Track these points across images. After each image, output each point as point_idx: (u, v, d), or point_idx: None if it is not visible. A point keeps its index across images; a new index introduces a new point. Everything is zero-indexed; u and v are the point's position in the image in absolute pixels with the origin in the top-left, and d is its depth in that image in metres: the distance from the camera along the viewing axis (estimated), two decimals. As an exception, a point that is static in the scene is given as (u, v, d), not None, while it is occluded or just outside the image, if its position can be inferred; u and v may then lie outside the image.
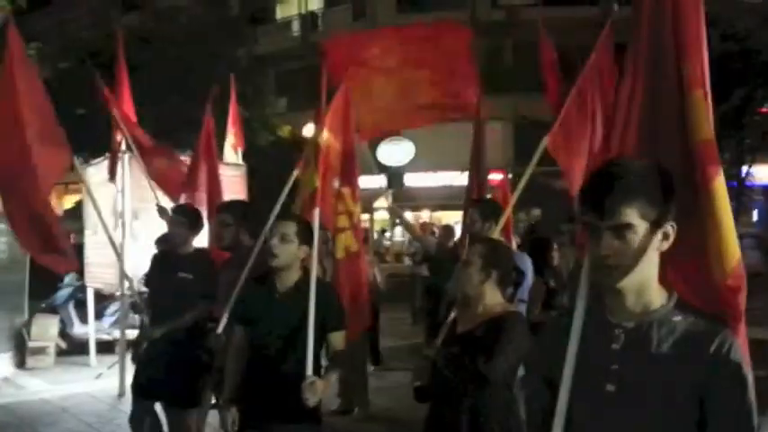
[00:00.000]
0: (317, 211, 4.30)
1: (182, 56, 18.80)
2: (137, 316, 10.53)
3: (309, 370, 3.57)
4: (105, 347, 10.40)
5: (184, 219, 5.19)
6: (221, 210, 5.13)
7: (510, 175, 28.73)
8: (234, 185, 9.02)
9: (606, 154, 2.40)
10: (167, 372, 4.94)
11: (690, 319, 1.88)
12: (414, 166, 25.76)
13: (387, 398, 7.98)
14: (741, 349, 1.83)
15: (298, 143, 21.48)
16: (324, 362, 3.96)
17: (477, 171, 6.12)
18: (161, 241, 6.09)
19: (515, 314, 3.51)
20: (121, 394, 8.24)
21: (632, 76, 2.41)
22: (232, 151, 10.52)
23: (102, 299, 10.55)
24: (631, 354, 1.86)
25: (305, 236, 3.79)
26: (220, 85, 20.70)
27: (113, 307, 10.70)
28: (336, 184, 5.06)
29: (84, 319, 10.48)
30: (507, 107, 21.83)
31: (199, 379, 5.07)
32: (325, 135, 4.60)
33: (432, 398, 3.54)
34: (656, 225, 1.83)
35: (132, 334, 9.86)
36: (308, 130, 21.21)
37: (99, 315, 10.56)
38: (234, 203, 5.46)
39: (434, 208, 26.34)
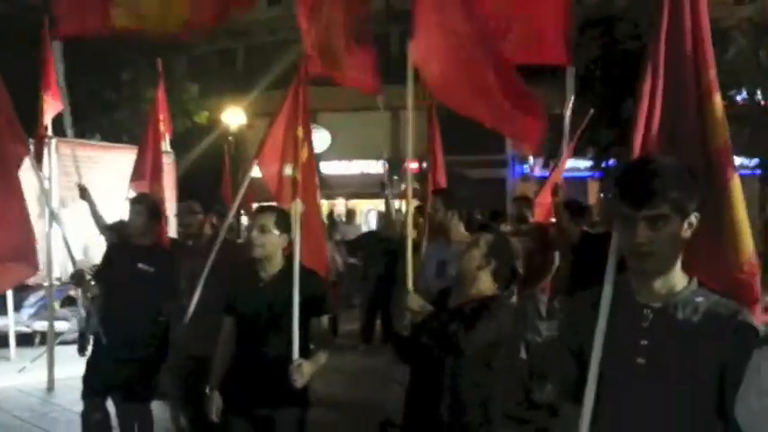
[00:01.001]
0: (298, 202, 4.32)
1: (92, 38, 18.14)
2: (64, 309, 10.25)
3: (296, 353, 3.68)
4: (25, 340, 10.03)
5: (143, 208, 5.06)
6: (187, 197, 5.05)
7: (425, 164, 29.08)
8: (166, 174, 8.84)
9: (630, 153, 2.56)
10: (122, 366, 4.83)
11: (711, 299, 2.08)
12: (329, 154, 25.82)
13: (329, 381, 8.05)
14: (756, 327, 2.03)
15: (214, 129, 21.18)
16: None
17: (435, 160, 6.25)
18: (112, 230, 5.90)
19: (504, 299, 3.68)
20: (50, 388, 8.00)
21: (652, 78, 2.56)
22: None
23: (22, 289, 10.13)
24: (659, 331, 2.06)
25: (284, 225, 3.89)
26: (131, 69, 20.17)
27: (33, 298, 10.32)
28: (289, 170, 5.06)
29: (1, 311, 10.05)
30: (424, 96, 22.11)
31: (154, 372, 5.00)
32: (300, 130, 4.60)
33: (412, 364, 3.66)
34: (684, 215, 2.03)
35: (60, 326, 9.61)
36: (227, 116, 20.94)
37: (18, 306, 10.14)
38: (199, 191, 5.40)
39: (349, 196, 26.46)
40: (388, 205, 9.39)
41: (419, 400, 3.54)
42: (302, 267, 3.88)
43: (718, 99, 2.51)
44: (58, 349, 8.57)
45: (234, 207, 5.15)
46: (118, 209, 6.63)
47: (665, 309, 2.08)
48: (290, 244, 3.95)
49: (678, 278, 2.11)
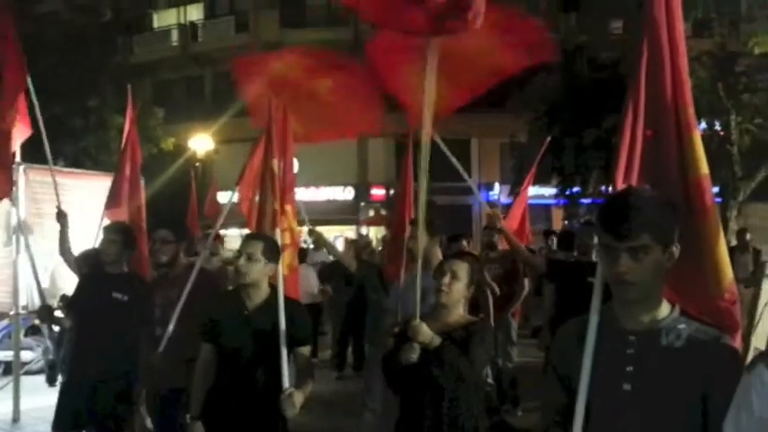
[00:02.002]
0: (278, 232, 4.36)
1: (59, 64, 18.05)
2: (29, 338, 10.05)
3: (286, 382, 3.69)
4: (-15, 370, 9.82)
5: (117, 237, 5.00)
6: (160, 226, 5.03)
7: (392, 191, 29.24)
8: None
9: (613, 185, 2.66)
10: (98, 397, 4.76)
11: (693, 326, 2.17)
12: (297, 180, 25.79)
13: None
14: (739, 352, 2.14)
15: (180, 155, 21.05)
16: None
17: (409, 189, 6.32)
18: (85, 259, 5.82)
19: (484, 323, 3.79)
20: (16, 419, 7.83)
21: (633, 113, 2.68)
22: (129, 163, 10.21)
23: (-17, 319, 9.93)
24: (644, 357, 2.13)
25: (271, 254, 3.90)
26: (99, 95, 20.03)
27: (-4, 327, 10.11)
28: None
29: (-37, 341, 9.85)
30: (389, 124, 22.31)
31: (128, 402, 4.93)
32: (275, 163, 4.66)
33: (404, 390, 3.67)
34: (665, 246, 2.11)
35: (25, 356, 9.42)
36: (193, 143, 20.89)
37: (-20, 336, 9.94)
38: (173, 220, 5.38)
39: (316, 223, 26.44)
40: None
41: (414, 430, 3.56)
42: (286, 297, 3.91)
43: (697, 135, 2.63)
44: (24, 379, 8.40)
45: (214, 232, 5.15)
46: (87, 236, 6.56)
47: (649, 335, 2.14)
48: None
49: (661, 306, 2.19)
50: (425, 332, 3.44)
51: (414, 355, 3.45)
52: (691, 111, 2.64)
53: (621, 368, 2.14)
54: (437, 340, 3.46)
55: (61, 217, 6.12)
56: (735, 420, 1.91)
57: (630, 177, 2.63)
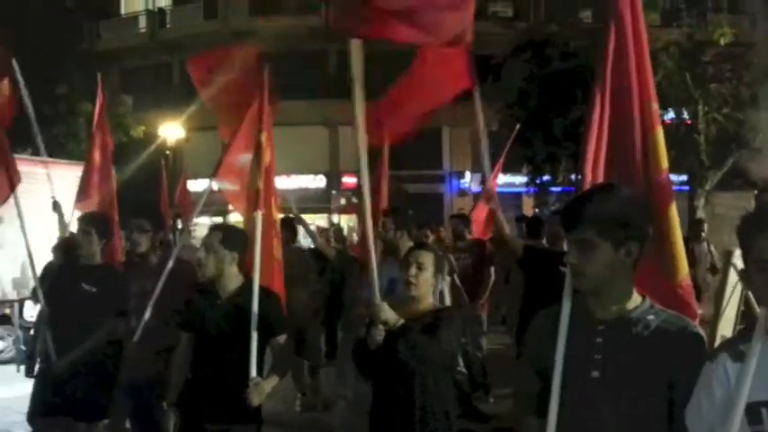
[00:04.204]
0: (259, 214, 4.34)
1: (22, 47, 17.70)
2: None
3: (254, 372, 3.72)
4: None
5: (91, 228, 4.97)
6: (137, 215, 5.02)
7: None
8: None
9: (582, 177, 2.73)
10: (75, 386, 4.73)
11: (662, 316, 2.24)
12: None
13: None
14: (705, 340, 2.22)
15: (150, 143, 20.84)
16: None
17: (384, 179, 6.35)
18: (60, 249, 5.79)
19: (451, 310, 3.89)
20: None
21: (600, 108, 2.74)
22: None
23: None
24: (612, 345, 2.21)
25: (232, 242, 3.91)
26: (67, 82, 19.72)
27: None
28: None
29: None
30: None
31: (107, 390, 4.93)
32: (264, 135, 4.60)
33: (375, 377, 3.73)
34: (617, 243, 2.19)
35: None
36: (164, 130, 20.66)
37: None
38: (149, 209, 5.37)
39: (288, 211, 26.39)
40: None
41: (386, 416, 3.60)
42: (261, 287, 3.92)
43: (660, 130, 2.70)
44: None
45: (191, 220, 5.13)
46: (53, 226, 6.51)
47: (618, 325, 2.22)
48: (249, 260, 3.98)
49: (630, 298, 2.26)
50: (386, 311, 3.48)
51: (379, 336, 3.48)
52: (655, 106, 2.72)
53: (590, 356, 2.22)
54: (400, 321, 3.49)
55: (56, 207, 6.11)
56: (696, 407, 1.99)
57: (597, 170, 2.70)
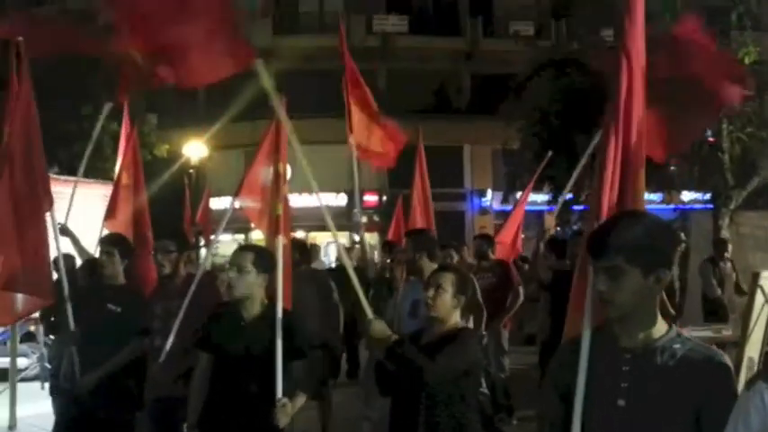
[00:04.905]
0: (280, 239, 4.38)
1: (54, 68, 18.02)
2: (23, 345, 10.03)
3: (280, 392, 3.73)
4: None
5: (113, 248, 5.04)
6: (162, 236, 5.06)
7: (384, 198, 29.26)
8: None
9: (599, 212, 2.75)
10: (98, 406, 4.79)
11: (688, 345, 2.23)
12: (289, 186, 25.77)
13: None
14: (733, 371, 2.21)
15: (174, 162, 21.00)
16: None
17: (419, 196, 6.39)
18: (85, 269, 5.84)
19: (470, 330, 3.96)
20: (12, 426, 7.79)
21: (614, 143, 2.77)
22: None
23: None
24: (639, 374, 2.20)
25: (262, 264, 3.91)
26: (92, 100, 19.94)
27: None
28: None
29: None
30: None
31: (130, 411, 4.96)
32: (282, 166, 4.68)
33: (394, 396, 3.75)
34: (646, 269, 2.18)
35: (20, 363, 9.40)
36: (187, 149, 20.84)
37: (-25, 343, 9.93)
38: (175, 230, 5.42)
39: (310, 229, 26.49)
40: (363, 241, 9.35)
41: None
42: (283, 309, 3.93)
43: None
44: (19, 386, 8.38)
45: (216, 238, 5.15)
46: (88, 246, 6.54)
47: (645, 354, 2.21)
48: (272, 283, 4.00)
49: (656, 326, 2.26)
50: (378, 327, 3.50)
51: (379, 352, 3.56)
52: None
53: (617, 384, 2.21)
54: (393, 337, 3.51)
55: (65, 233, 6.09)
56: None
57: (612, 196, 2.72)
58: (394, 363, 3.51)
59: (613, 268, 2.17)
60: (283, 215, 4.54)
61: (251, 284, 3.86)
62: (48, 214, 4.99)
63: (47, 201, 4.90)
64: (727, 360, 2.22)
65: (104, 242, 5.18)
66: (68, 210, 6.59)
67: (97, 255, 5.27)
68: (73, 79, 17.85)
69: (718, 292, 9.71)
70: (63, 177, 8.04)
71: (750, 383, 1.99)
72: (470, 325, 6.14)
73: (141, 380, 4.94)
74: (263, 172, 5.11)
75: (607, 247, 2.18)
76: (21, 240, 4.72)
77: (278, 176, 4.61)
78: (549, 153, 10.87)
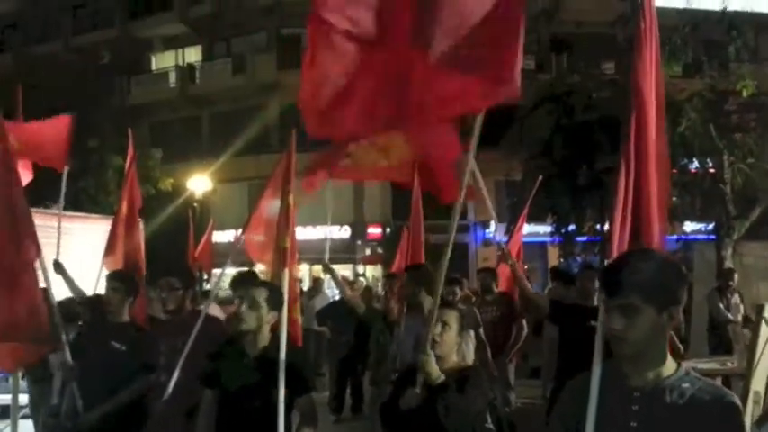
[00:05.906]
0: (286, 272, 4.39)
1: (58, 106, 18.25)
2: (24, 381, 9.97)
3: (281, 429, 3.73)
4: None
5: (120, 285, 5.00)
6: (167, 273, 5.06)
7: (388, 230, 29.11)
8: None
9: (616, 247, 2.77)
10: None
11: (697, 385, 2.23)
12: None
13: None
14: (742, 411, 2.21)
15: (178, 196, 21.12)
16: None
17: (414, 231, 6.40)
18: (87, 305, 5.80)
19: (480, 369, 3.89)
20: (14, 463, 7.74)
21: (626, 177, 2.81)
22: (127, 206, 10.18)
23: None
24: (648, 414, 2.20)
25: (275, 301, 3.92)
26: (97, 135, 20.16)
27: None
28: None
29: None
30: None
31: None
32: (292, 198, 4.68)
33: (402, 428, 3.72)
34: (660, 308, 2.19)
35: (23, 399, 9.35)
36: (192, 184, 20.96)
37: (-24, 380, 9.86)
38: (180, 267, 5.43)
39: (312, 262, 26.50)
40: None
41: None
42: (288, 346, 3.92)
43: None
44: (22, 423, 8.34)
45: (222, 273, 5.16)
46: (90, 282, 6.51)
47: (654, 393, 2.22)
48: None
49: (665, 364, 2.26)
50: (432, 365, 3.51)
51: (414, 399, 3.52)
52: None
53: (626, 423, 2.22)
54: (441, 377, 3.52)
55: (58, 267, 6.01)
56: None
57: (624, 231, 2.74)
58: (437, 405, 3.49)
59: (628, 306, 2.17)
60: (290, 248, 4.55)
61: (261, 320, 3.86)
62: (37, 261, 4.92)
63: (33, 251, 4.85)
64: (737, 400, 2.21)
65: (112, 278, 5.15)
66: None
67: (99, 291, 5.24)
68: (77, 115, 18.00)
69: (729, 315, 9.69)
70: (68, 213, 8.03)
71: (761, 421, 2.01)
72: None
73: (143, 418, 4.90)
74: (270, 205, 5.14)
75: (621, 285, 2.19)
76: (14, 293, 4.73)
77: (288, 209, 4.62)
78: (540, 178, 10.86)
